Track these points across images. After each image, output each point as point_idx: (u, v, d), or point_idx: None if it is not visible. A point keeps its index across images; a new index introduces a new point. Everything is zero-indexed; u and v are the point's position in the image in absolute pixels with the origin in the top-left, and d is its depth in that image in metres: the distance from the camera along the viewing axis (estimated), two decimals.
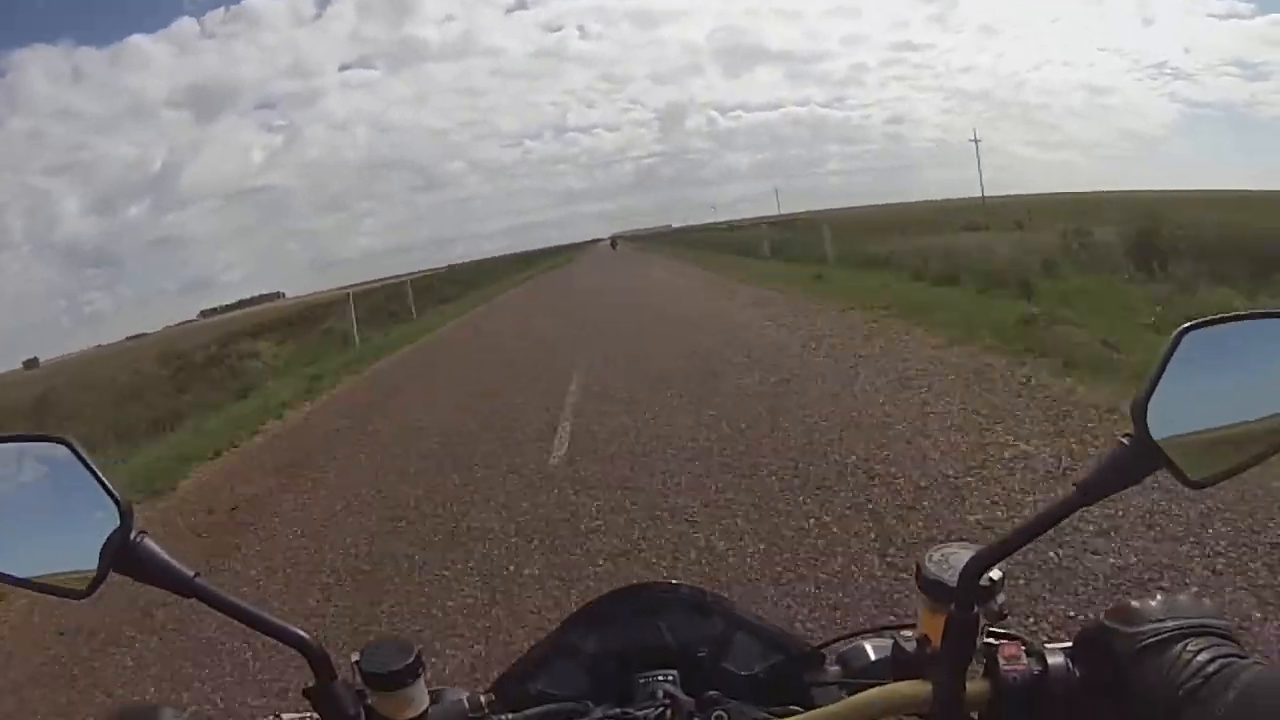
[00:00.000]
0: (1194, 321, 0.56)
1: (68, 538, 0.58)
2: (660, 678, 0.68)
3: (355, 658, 0.63)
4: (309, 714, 0.63)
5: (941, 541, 0.68)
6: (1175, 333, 0.55)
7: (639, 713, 0.64)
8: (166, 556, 0.58)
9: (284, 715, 0.65)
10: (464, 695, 0.68)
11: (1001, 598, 0.63)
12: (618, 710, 0.64)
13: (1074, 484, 0.57)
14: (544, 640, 0.75)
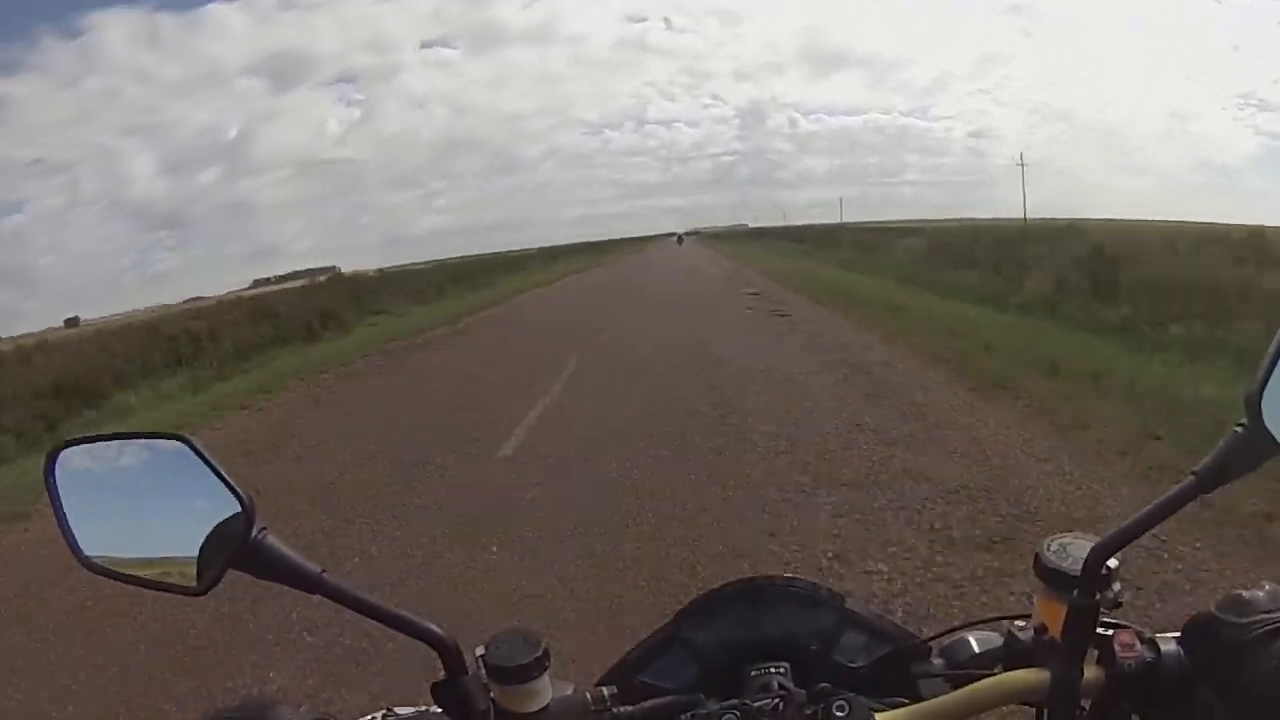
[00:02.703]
0: None
1: (188, 534, 0.60)
2: (772, 670, 0.71)
3: (480, 651, 0.65)
4: (426, 707, 0.66)
5: (1058, 533, 0.71)
6: None
7: (755, 704, 0.65)
8: (290, 553, 0.60)
9: (398, 709, 0.67)
10: (586, 690, 0.70)
11: (1117, 586, 0.65)
12: (735, 702, 0.66)
13: (1192, 472, 0.60)
14: (655, 632, 0.77)
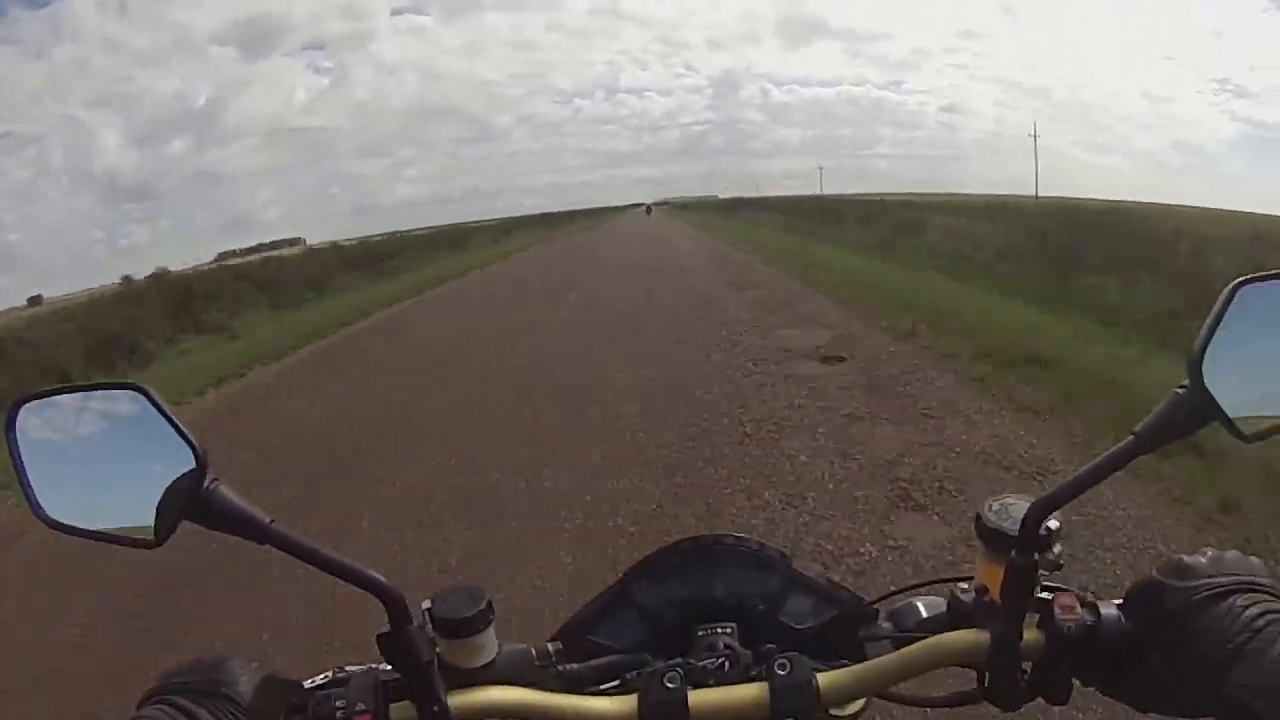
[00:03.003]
0: (1248, 276, 0.60)
1: (143, 487, 0.61)
2: (719, 630, 0.73)
3: (426, 605, 0.66)
4: (372, 665, 0.67)
5: (999, 493, 0.72)
6: (1229, 286, 0.59)
7: (700, 664, 0.68)
8: (241, 503, 0.61)
9: (348, 666, 0.68)
10: (532, 645, 0.71)
11: (1058, 548, 0.66)
12: (680, 660, 0.68)
13: (1131, 432, 0.61)
14: (604, 592, 0.79)
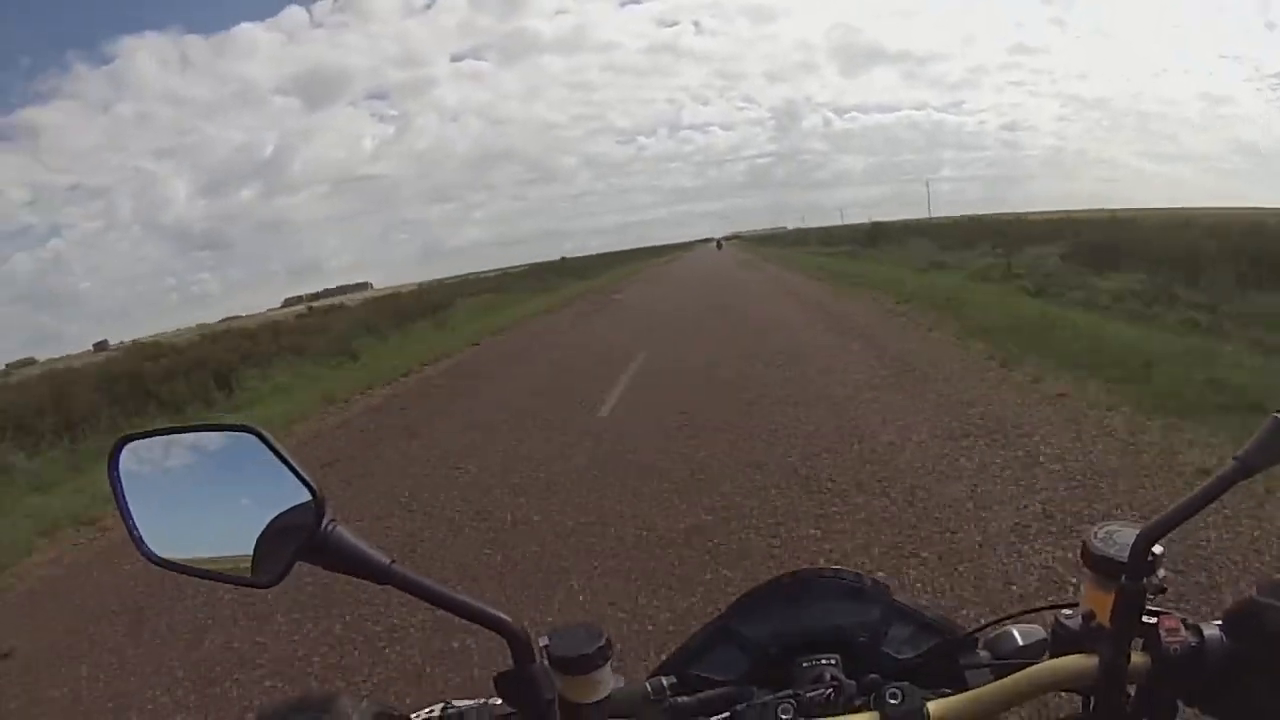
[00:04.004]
0: None
1: (255, 526, 0.61)
2: (823, 661, 0.74)
3: (544, 641, 0.67)
4: (486, 700, 0.68)
5: (1104, 520, 0.73)
6: None
7: (808, 695, 0.68)
8: (360, 544, 0.61)
9: (456, 701, 0.69)
10: (645, 680, 0.74)
11: (1162, 572, 0.67)
12: (789, 693, 0.69)
13: (1234, 457, 0.63)
14: (708, 625, 0.81)
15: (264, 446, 0.61)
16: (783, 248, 59.47)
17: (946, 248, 23.63)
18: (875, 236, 35.78)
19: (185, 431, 0.65)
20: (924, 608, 0.80)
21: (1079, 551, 0.72)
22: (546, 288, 33.12)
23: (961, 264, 18.78)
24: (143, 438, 0.66)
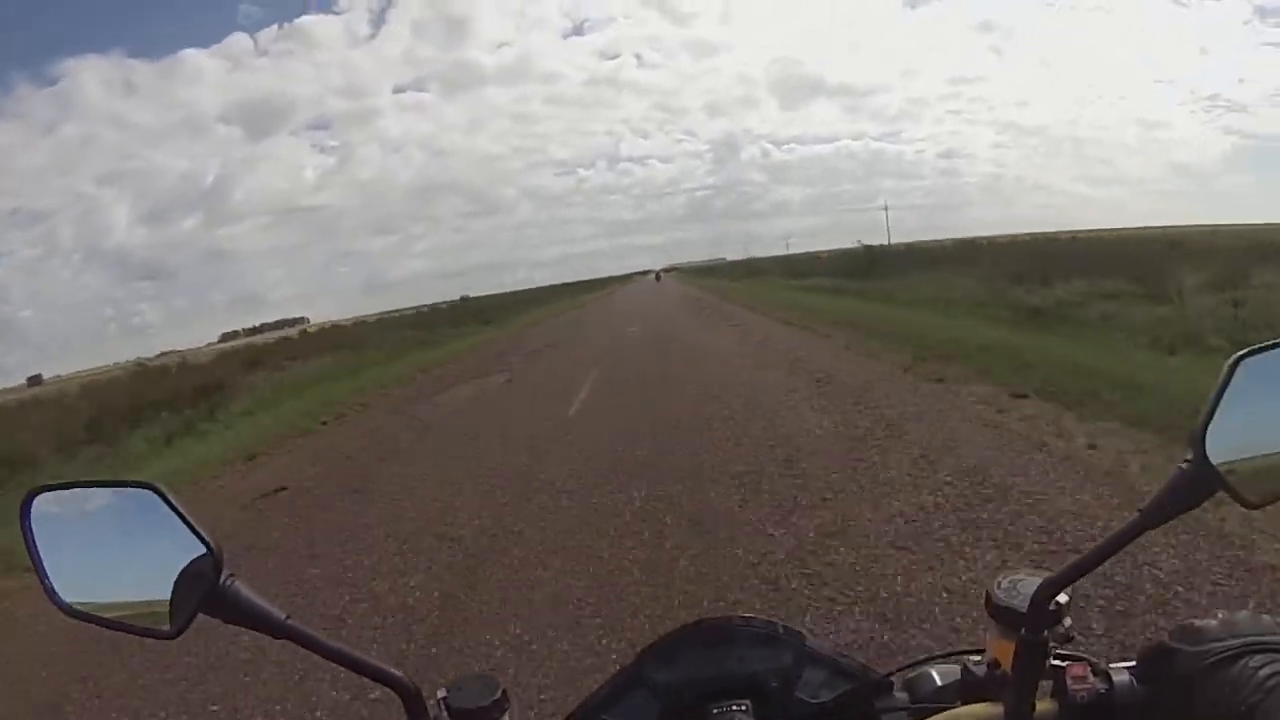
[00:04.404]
0: (1248, 349, 0.62)
1: (158, 580, 0.64)
2: (734, 707, 0.74)
3: (442, 694, 0.69)
4: None
5: (1008, 570, 0.74)
6: (1230, 360, 0.61)
7: None
8: (257, 599, 0.63)
9: None
10: None
11: (1068, 620, 0.68)
12: None
13: (1138, 510, 0.63)
14: (618, 673, 0.80)
15: (163, 502, 0.63)
16: (730, 279, 54.57)
17: (989, 278, 17.23)
18: (871, 263, 27.57)
19: (91, 486, 0.69)
20: (839, 653, 0.81)
21: (983, 600, 0.73)
22: (426, 341, 24.63)
23: (1078, 310, 11.68)
24: (52, 490, 0.68)
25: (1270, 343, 0.63)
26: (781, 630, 0.80)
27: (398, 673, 0.65)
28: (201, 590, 0.62)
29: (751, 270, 61.14)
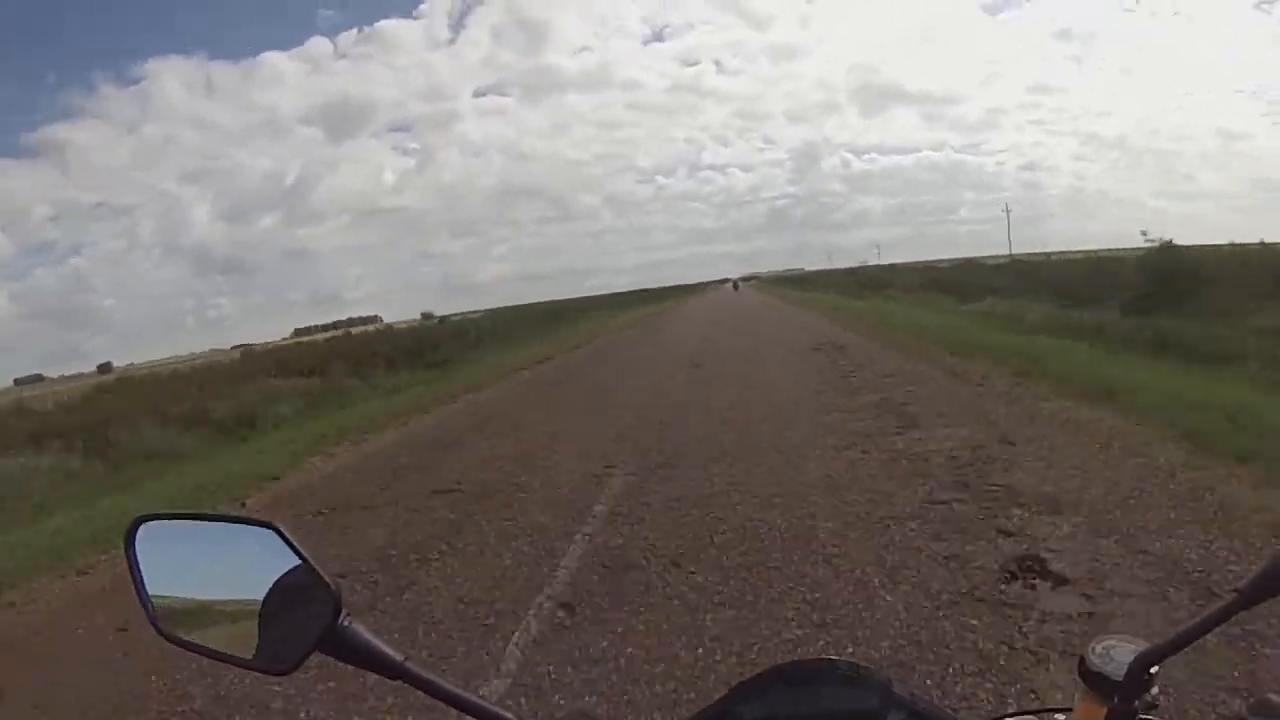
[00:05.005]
0: None
1: (279, 617, 0.64)
2: None
3: None
4: None
5: (1104, 634, 0.76)
6: None
7: None
8: (375, 641, 0.64)
9: None
10: None
11: (1155, 690, 0.69)
12: None
13: (1235, 589, 0.64)
14: (706, 709, 0.80)
15: (283, 542, 0.63)
16: (823, 292, 44.86)
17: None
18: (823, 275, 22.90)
19: (206, 520, 0.69)
20: (925, 699, 0.81)
21: (1076, 663, 0.74)
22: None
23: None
24: (161, 519, 0.69)
25: None
26: (868, 674, 0.80)
27: (513, 718, 0.65)
28: (318, 630, 0.62)
29: (817, 279, 59.44)
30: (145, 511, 0.71)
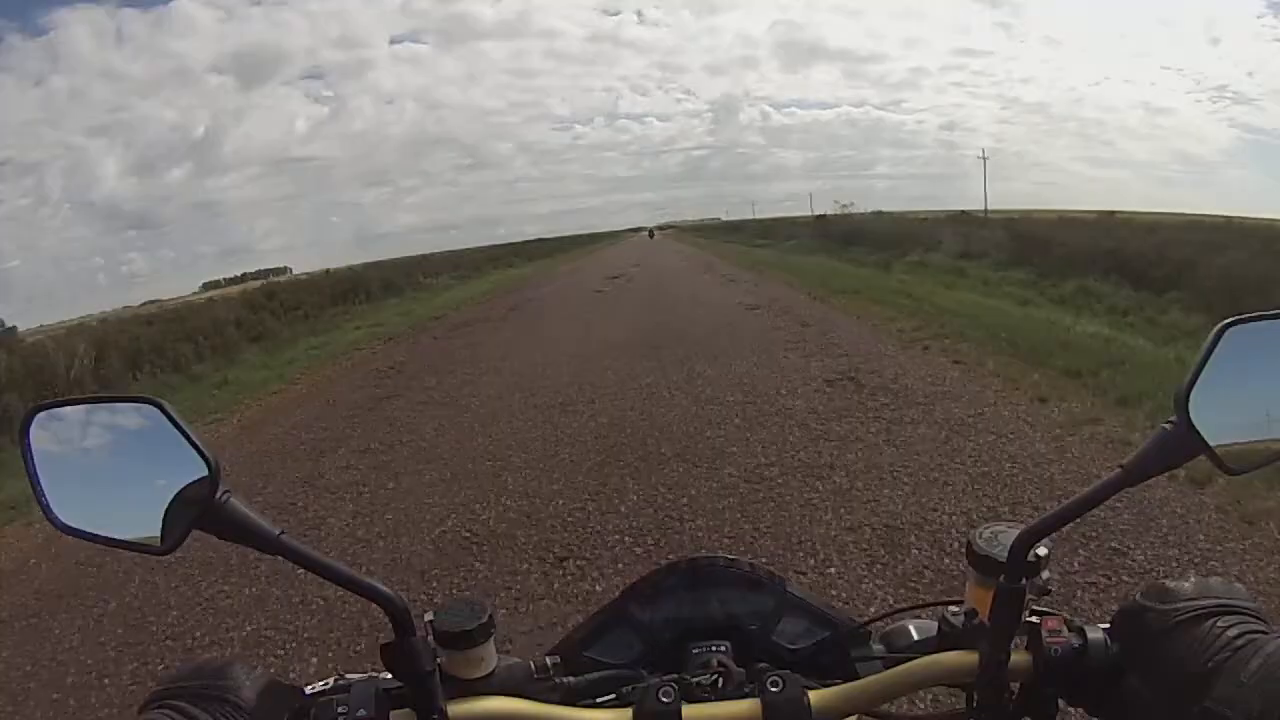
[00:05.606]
0: (1236, 316, 0.64)
1: (154, 496, 0.65)
2: (713, 648, 0.77)
3: (429, 617, 0.70)
4: (374, 674, 0.71)
5: (991, 521, 0.77)
6: (1218, 327, 0.64)
7: (693, 679, 0.72)
8: (252, 514, 0.64)
9: (349, 675, 0.72)
10: (530, 658, 0.76)
11: (1046, 574, 0.71)
12: (674, 676, 0.72)
13: (1119, 465, 0.65)
14: (602, 609, 0.83)
15: (165, 418, 0.64)
16: (720, 240, 49.77)
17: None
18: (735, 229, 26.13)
19: (89, 402, 0.70)
20: (819, 600, 0.83)
21: (964, 549, 0.75)
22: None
23: None
24: (53, 407, 0.69)
25: (1258, 314, 0.65)
26: (764, 574, 0.82)
27: (389, 591, 0.66)
28: (197, 506, 0.63)
29: (730, 229, 61.42)
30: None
